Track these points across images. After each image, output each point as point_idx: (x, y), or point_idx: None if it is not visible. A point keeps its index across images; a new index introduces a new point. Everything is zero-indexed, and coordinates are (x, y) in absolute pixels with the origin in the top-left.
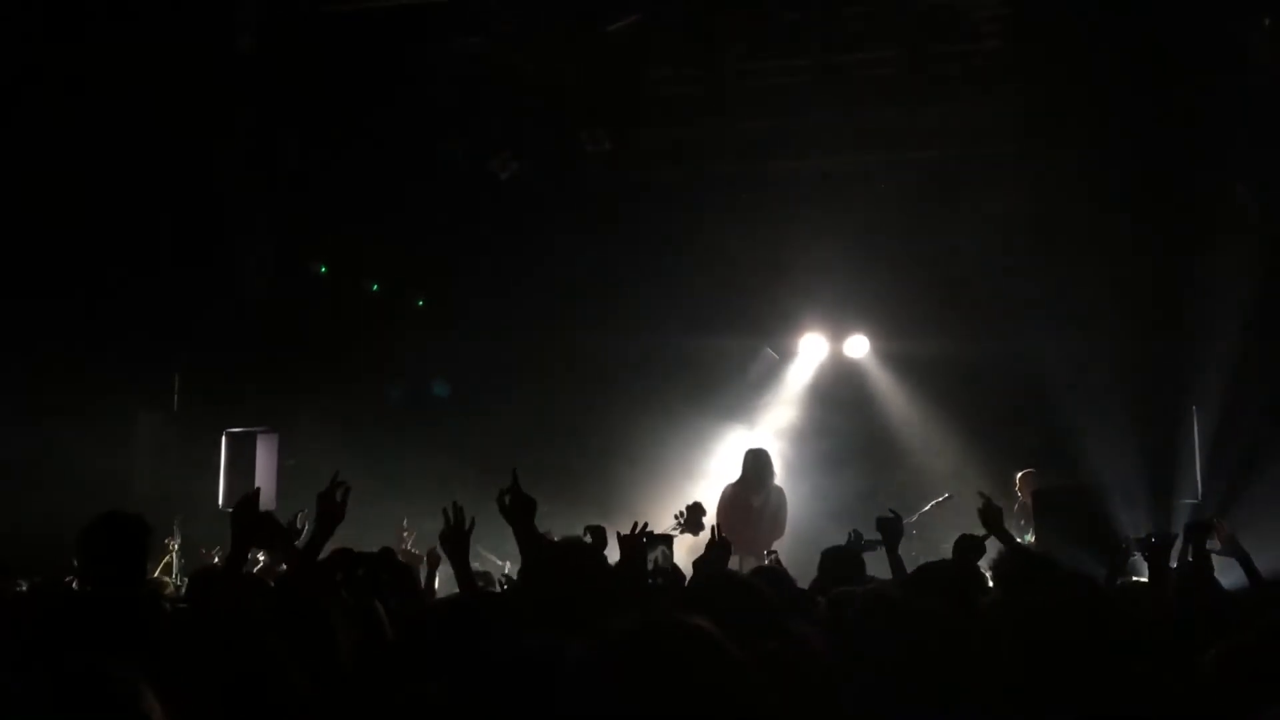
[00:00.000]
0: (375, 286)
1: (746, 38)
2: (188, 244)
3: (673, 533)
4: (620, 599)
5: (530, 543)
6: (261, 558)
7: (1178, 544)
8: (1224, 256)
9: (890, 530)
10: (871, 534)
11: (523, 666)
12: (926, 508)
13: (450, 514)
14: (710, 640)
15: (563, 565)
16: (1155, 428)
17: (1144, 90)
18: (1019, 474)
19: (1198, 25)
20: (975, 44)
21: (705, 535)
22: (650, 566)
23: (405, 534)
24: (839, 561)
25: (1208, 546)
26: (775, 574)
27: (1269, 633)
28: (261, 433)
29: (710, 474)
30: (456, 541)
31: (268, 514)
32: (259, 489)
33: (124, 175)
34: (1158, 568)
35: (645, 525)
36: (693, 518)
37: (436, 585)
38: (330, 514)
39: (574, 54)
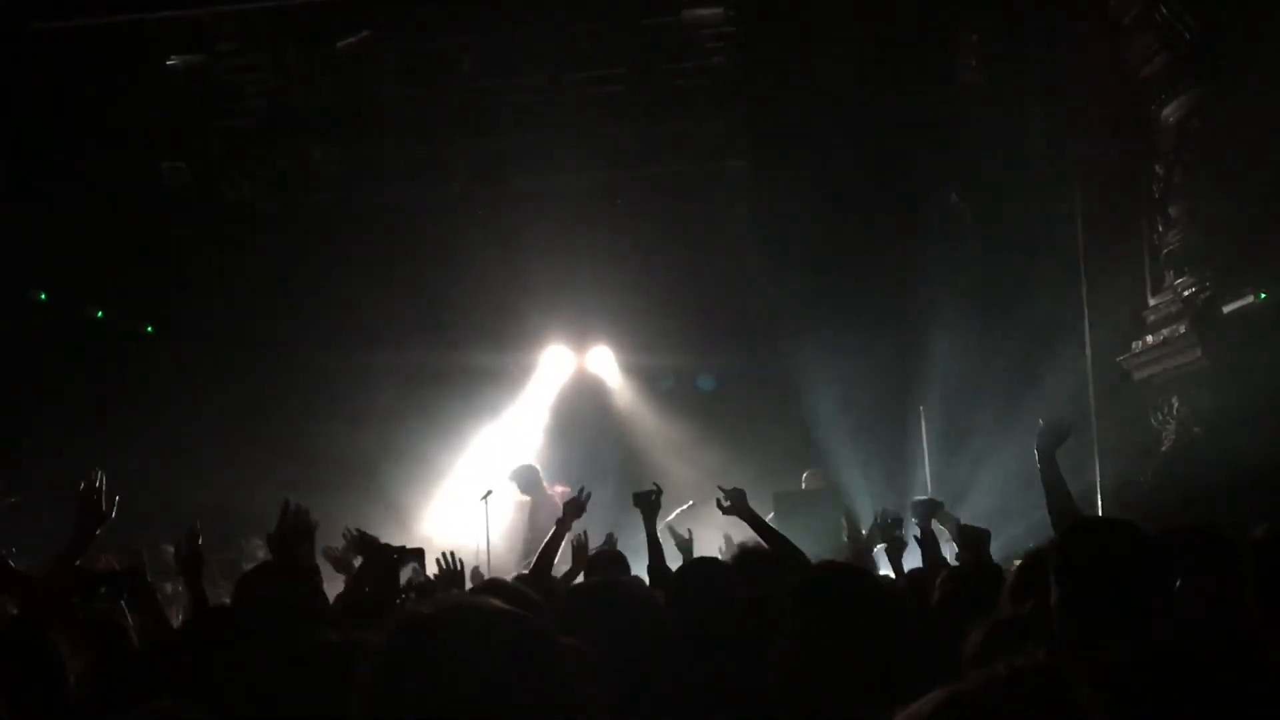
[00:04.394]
0: (100, 314)
1: (477, 55)
2: None
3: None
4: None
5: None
6: None
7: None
8: (942, 261)
9: (646, 504)
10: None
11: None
12: (672, 515)
13: (184, 541)
14: (514, 617)
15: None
16: (888, 428)
17: (865, 103)
18: (805, 474)
19: (911, 39)
20: (702, 60)
21: None
22: (404, 582)
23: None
24: (608, 562)
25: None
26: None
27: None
28: None
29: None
30: (191, 565)
31: None
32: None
33: None
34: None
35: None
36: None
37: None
38: (90, 514)
39: (302, 71)
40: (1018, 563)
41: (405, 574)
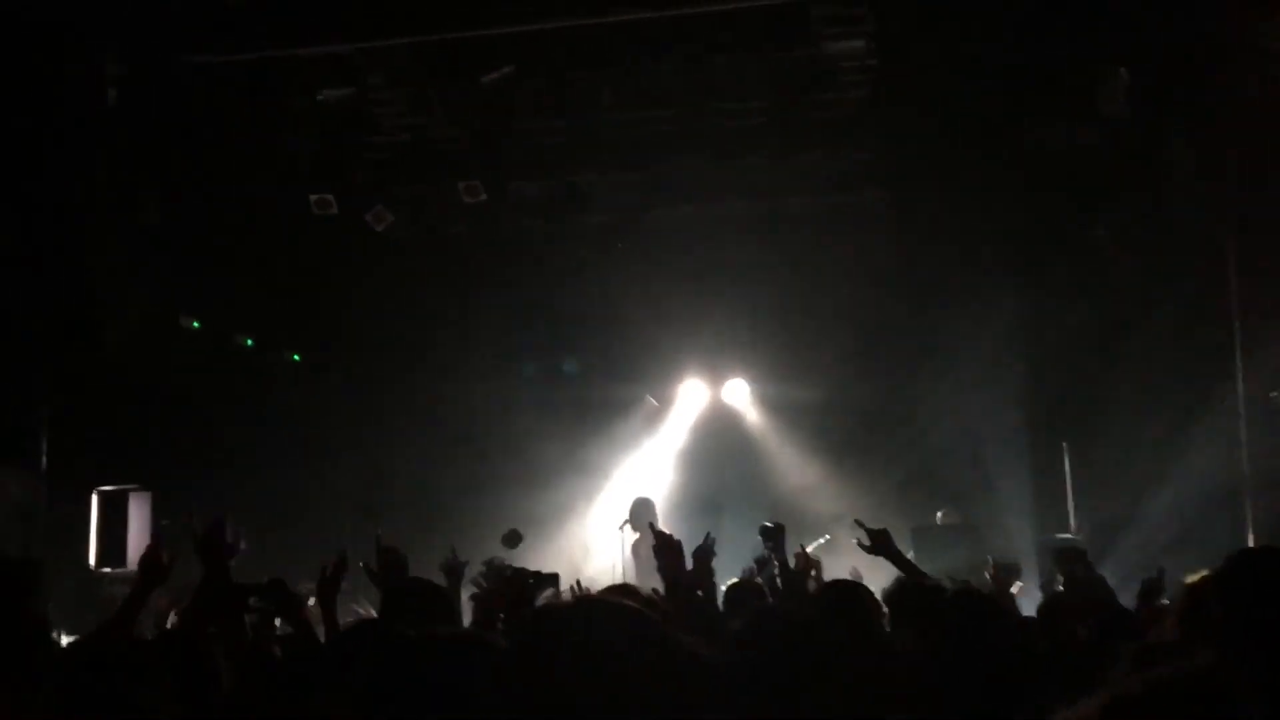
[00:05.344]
0: (249, 341)
1: (618, 88)
2: (53, 298)
3: None
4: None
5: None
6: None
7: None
8: (1085, 295)
9: (774, 536)
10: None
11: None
12: (808, 549)
13: (328, 566)
14: (639, 615)
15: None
16: (1027, 463)
17: (1007, 136)
18: (939, 511)
19: (1056, 73)
20: (842, 93)
21: None
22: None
23: None
24: (743, 590)
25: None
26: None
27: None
28: (134, 491)
29: (594, 516)
30: (327, 590)
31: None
32: (161, 539)
33: None
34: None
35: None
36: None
37: None
38: (212, 560)
39: (446, 105)
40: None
41: (542, 599)
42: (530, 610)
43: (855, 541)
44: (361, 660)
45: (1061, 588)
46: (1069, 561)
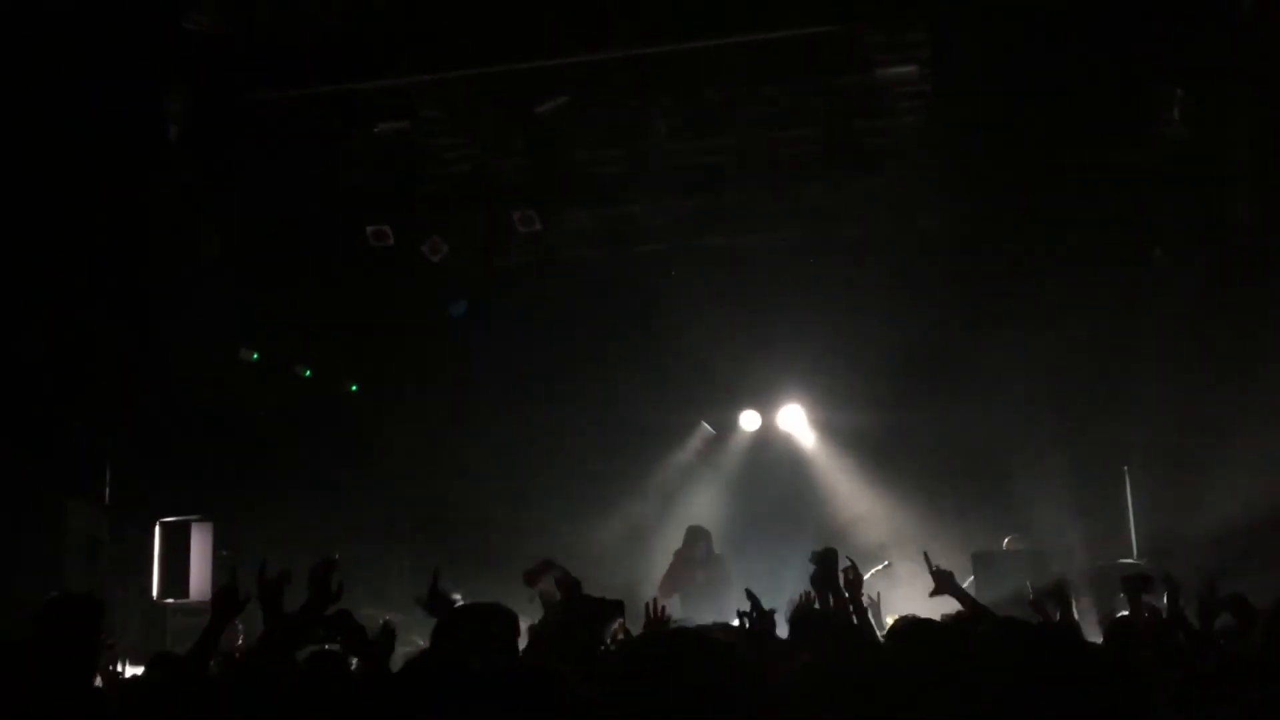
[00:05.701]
0: (308, 373)
1: (673, 117)
2: (116, 332)
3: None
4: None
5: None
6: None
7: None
8: (1145, 319)
9: (826, 562)
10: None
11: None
12: (866, 576)
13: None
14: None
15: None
16: (1091, 488)
17: (1063, 161)
18: (1006, 539)
19: (1113, 95)
20: (896, 119)
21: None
22: (610, 635)
23: None
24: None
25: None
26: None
27: None
28: (196, 522)
29: (650, 545)
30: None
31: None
32: (236, 576)
33: (49, 262)
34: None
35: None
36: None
37: None
38: (323, 595)
39: (501, 136)
40: None
41: (610, 628)
42: (616, 645)
43: (927, 563)
44: (427, 694)
45: (1126, 613)
46: (1135, 588)
